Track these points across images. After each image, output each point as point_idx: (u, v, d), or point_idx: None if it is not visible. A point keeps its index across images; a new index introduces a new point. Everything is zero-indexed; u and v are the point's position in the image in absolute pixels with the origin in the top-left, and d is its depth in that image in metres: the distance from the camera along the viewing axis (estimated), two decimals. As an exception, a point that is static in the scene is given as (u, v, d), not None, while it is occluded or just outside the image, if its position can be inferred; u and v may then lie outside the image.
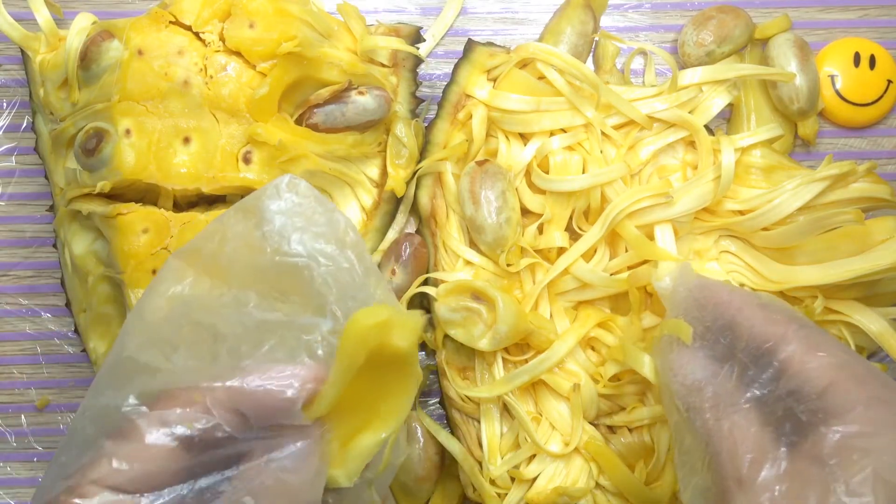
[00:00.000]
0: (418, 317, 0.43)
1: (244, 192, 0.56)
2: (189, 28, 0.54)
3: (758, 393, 0.43)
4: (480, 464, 0.57)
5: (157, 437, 0.39)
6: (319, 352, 0.41)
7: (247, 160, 0.55)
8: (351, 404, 0.42)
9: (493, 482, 0.56)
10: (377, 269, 0.47)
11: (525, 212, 0.58)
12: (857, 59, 0.62)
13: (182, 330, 0.42)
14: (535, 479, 0.56)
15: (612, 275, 0.56)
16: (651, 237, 0.56)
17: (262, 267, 0.43)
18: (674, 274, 0.51)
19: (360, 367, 0.40)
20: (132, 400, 0.40)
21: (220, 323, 0.42)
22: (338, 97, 0.56)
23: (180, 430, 0.39)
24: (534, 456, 0.56)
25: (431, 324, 0.59)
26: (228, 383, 0.40)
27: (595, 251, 0.57)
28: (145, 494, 0.38)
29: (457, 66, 0.59)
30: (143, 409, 0.40)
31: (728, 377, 0.44)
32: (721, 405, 0.43)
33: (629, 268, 0.57)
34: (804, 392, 0.41)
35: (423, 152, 0.59)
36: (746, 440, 0.42)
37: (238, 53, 0.54)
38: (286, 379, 0.40)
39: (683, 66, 0.62)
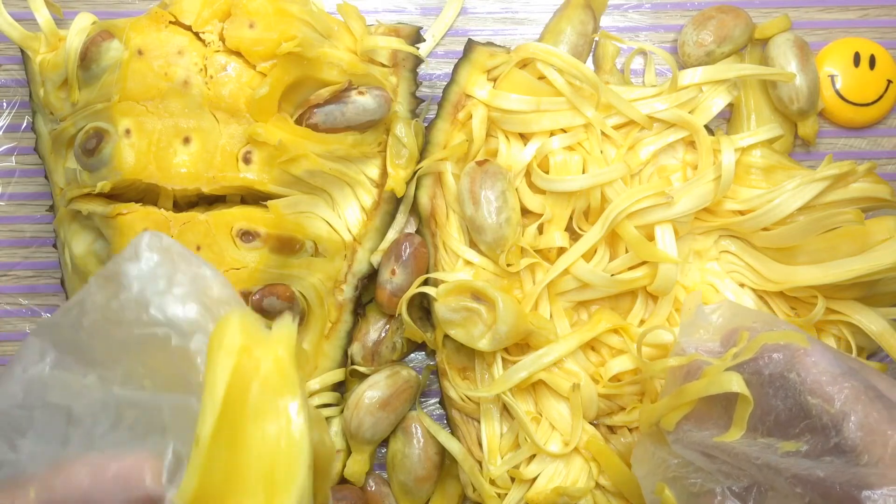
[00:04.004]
0: (288, 327, 0.35)
1: (244, 192, 0.56)
2: (189, 28, 0.54)
3: None
4: (480, 464, 0.57)
5: None
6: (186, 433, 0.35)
7: (247, 160, 0.55)
8: (230, 480, 0.34)
9: (493, 482, 0.56)
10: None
11: (525, 212, 0.58)
12: (857, 59, 0.62)
13: (34, 413, 0.37)
14: (535, 479, 0.56)
15: (612, 276, 0.56)
16: (651, 237, 0.56)
17: (123, 340, 0.38)
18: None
19: (235, 426, 0.34)
20: None
21: (76, 404, 0.37)
22: (338, 97, 0.56)
23: None
24: (534, 456, 0.56)
25: (431, 324, 0.59)
26: (74, 471, 0.35)
27: (595, 251, 0.56)
28: None
29: (457, 66, 0.59)
30: None
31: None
32: (877, 397, 0.43)
33: (630, 268, 0.57)
34: None
35: (423, 152, 0.59)
36: None
37: (238, 53, 0.54)
38: (141, 465, 0.35)
39: (683, 66, 0.62)
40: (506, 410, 0.57)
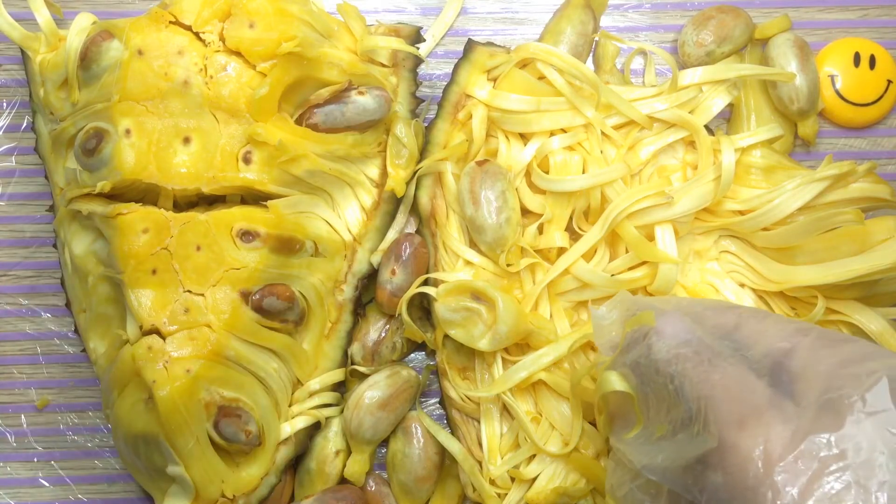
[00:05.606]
0: None
1: (244, 192, 0.56)
2: (189, 28, 0.54)
3: (737, 354, 0.43)
4: (480, 464, 0.57)
5: None
6: None
7: (247, 160, 0.55)
8: None
9: (493, 482, 0.56)
10: None
11: (525, 212, 0.58)
12: (857, 59, 0.62)
13: None
14: (534, 479, 0.56)
15: (612, 276, 0.56)
16: (651, 237, 0.56)
17: None
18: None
19: None
20: None
21: None
22: (338, 97, 0.56)
23: None
24: (534, 456, 0.56)
25: (431, 324, 0.59)
26: None
27: (595, 251, 0.57)
28: None
29: (457, 66, 0.59)
30: None
31: (707, 336, 0.44)
32: (707, 359, 0.42)
33: (630, 268, 0.57)
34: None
35: (423, 152, 0.59)
36: (745, 383, 0.40)
37: (238, 53, 0.54)
38: None
39: (683, 66, 0.62)
40: (506, 410, 0.57)
